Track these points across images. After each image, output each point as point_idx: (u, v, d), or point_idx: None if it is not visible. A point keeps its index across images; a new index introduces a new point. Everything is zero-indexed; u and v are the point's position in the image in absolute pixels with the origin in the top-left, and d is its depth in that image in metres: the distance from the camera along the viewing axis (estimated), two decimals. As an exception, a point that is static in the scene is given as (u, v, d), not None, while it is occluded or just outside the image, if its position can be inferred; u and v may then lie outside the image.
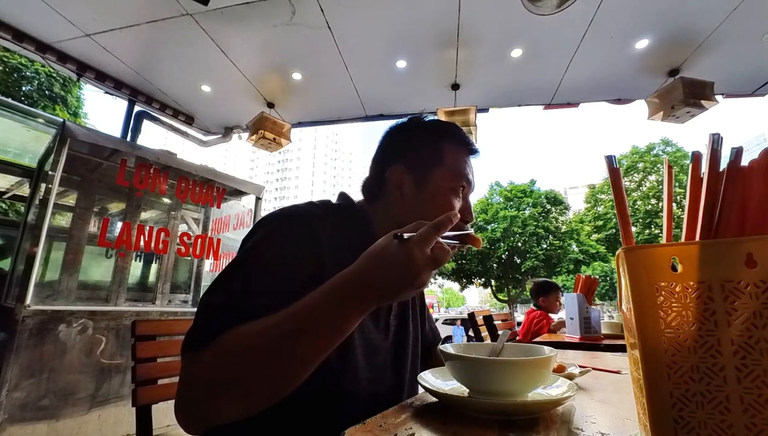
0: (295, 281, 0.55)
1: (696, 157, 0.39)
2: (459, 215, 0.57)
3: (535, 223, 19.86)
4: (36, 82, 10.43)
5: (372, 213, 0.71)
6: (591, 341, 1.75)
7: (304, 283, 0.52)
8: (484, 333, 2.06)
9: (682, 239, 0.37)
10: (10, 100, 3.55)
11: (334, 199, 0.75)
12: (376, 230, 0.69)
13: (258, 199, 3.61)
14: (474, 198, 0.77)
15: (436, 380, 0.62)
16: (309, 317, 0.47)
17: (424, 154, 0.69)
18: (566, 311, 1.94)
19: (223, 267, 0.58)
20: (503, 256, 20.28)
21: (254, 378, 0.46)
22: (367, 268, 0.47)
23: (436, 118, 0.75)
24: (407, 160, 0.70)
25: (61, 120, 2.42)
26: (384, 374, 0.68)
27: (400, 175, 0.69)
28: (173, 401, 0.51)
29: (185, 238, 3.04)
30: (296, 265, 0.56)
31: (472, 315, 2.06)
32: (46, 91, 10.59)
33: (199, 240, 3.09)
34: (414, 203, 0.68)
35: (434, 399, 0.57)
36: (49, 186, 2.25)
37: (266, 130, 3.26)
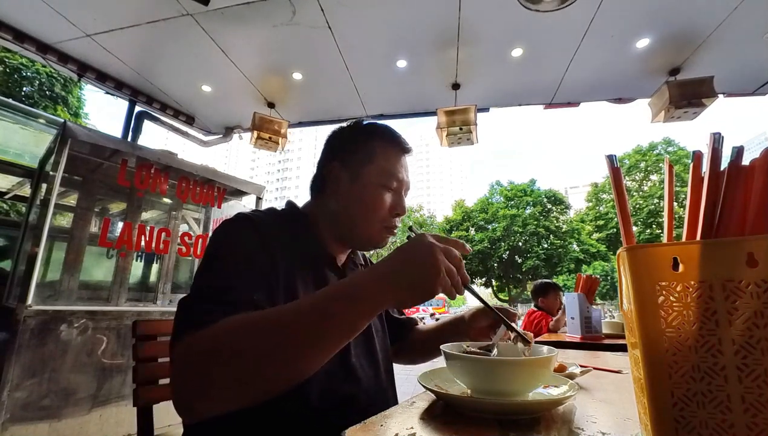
0: (264, 273, 0.61)
1: (697, 156, 0.39)
2: (469, 248, 0.62)
3: (535, 222, 19.85)
4: (37, 82, 10.46)
5: (316, 208, 0.79)
6: (592, 340, 1.75)
7: (267, 276, 0.61)
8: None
9: (683, 239, 0.37)
10: (11, 100, 3.55)
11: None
12: (318, 224, 0.77)
13: (259, 199, 3.60)
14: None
15: (437, 380, 0.62)
16: (315, 310, 0.49)
17: (357, 153, 0.76)
18: (567, 310, 1.94)
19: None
20: (504, 255, 20.27)
21: (260, 357, 0.47)
22: (389, 265, 0.51)
23: (373, 121, 0.82)
24: (343, 158, 0.76)
25: (62, 120, 2.42)
26: (355, 369, 0.71)
27: (337, 171, 0.76)
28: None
29: (186, 238, 3.04)
30: (260, 259, 0.62)
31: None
32: (47, 92, 10.61)
33: (200, 240, 3.09)
34: (348, 197, 0.74)
35: (434, 399, 0.57)
36: (50, 186, 2.25)
37: (266, 131, 3.26)
